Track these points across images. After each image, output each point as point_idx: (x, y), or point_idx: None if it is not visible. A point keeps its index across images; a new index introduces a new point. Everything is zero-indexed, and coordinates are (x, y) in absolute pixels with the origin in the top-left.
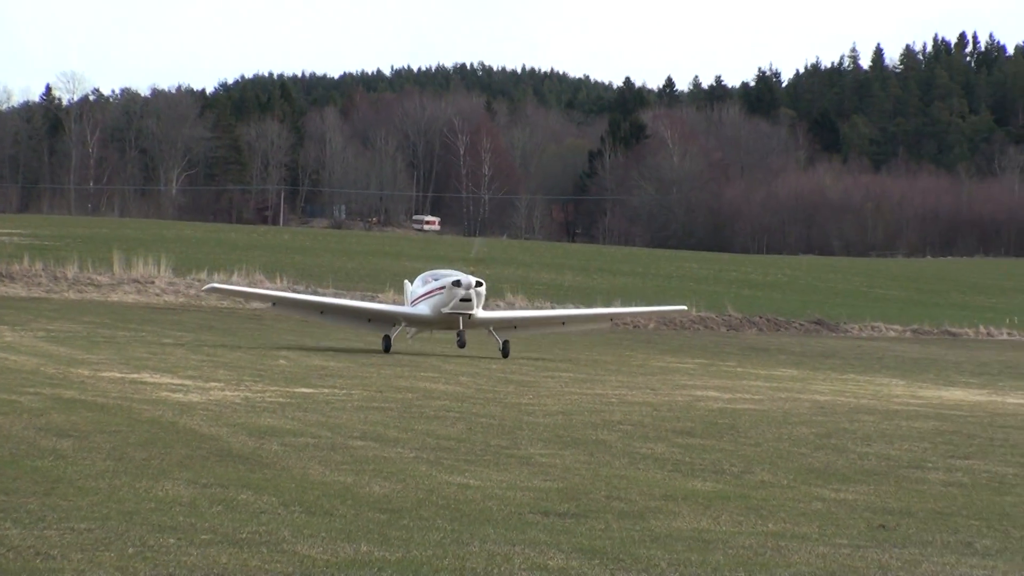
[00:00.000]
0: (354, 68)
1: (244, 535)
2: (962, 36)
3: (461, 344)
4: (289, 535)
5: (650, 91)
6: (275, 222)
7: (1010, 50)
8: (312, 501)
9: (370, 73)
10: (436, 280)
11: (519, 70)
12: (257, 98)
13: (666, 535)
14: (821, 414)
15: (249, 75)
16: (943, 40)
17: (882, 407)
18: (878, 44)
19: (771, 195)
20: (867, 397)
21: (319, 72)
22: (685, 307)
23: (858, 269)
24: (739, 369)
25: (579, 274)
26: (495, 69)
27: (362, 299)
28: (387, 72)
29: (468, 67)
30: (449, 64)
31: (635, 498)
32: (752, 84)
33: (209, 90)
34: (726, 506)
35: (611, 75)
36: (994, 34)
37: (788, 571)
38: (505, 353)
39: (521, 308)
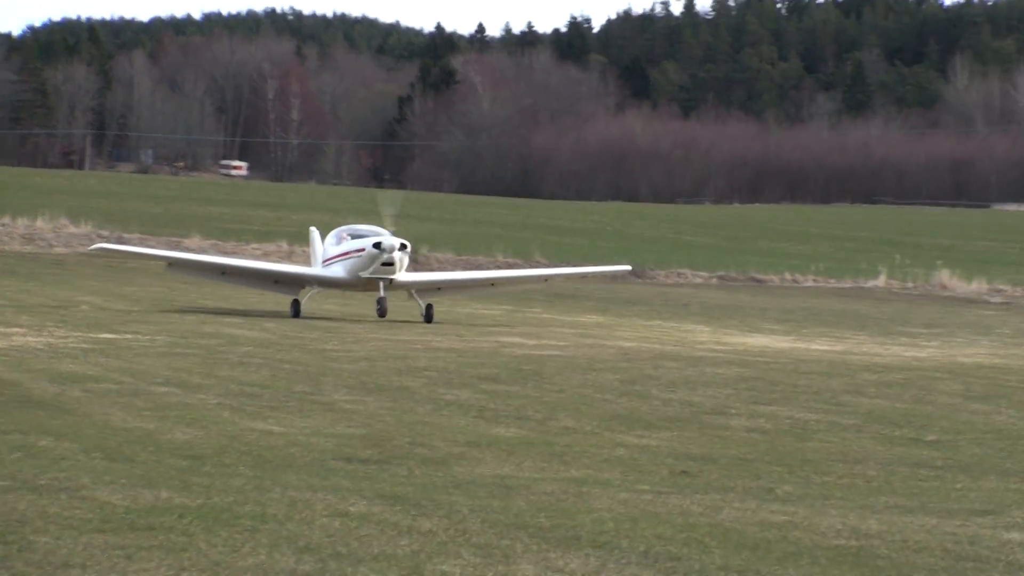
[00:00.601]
0: (163, 12)
1: (43, 481)
2: None
3: (381, 313)
4: (89, 481)
5: (461, 37)
6: (81, 167)
7: None
8: (113, 447)
9: (180, 17)
10: (353, 239)
11: (330, 15)
12: (65, 41)
13: (469, 481)
14: (625, 360)
15: (57, 18)
16: None
17: (686, 354)
18: None
19: (580, 141)
20: (672, 344)
21: (128, 16)
22: (629, 267)
23: (666, 215)
24: (545, 315)
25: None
26: (305, 14)
27: (169, 246)
28: (197, 16)
29: (278, 12)
30: (259, 8)
31: (438, 444)
32: (563, 30)
33: (16, 33)
34: (529, 452)
35: (422, 20)
36: None
37: (590, 517)
38: (428, 318)
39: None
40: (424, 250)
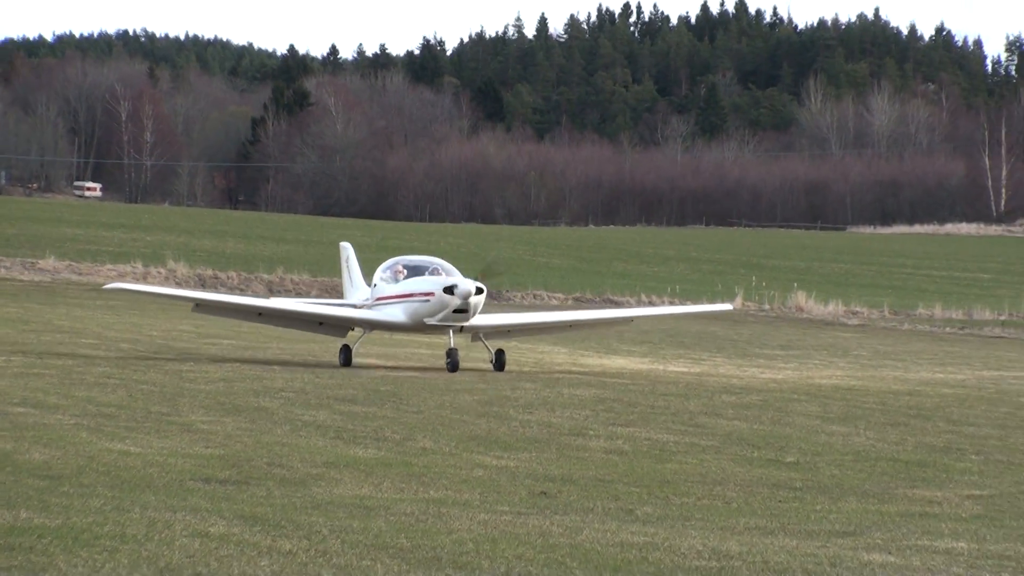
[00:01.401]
0: (15, 33)
1: None
2: (626, 6)
3: (453, 367)
4: None
5: (314, 59)
6: None
7: (674, 20)
8: None
9: (32, 38)
10: (411, 273)
11: (182, 37)
12: None
13: (328, 502)
14: (483, 382)
15: None
16: (607, 10)
17: (544, 375)
18: (543, 13)
19: (434, 163)
20: (529, 365)
21: None
22: (731, 306)
23: (521, 237)
24: (397, 337)
25: (241, 241)
26: (158, 36)
27: (24, 267)
28: (49, 38)
29: (131, 34)
30: (112, 30)
31: (297, 465)
32: (416, 52)
33: None
34: (388, 473)
35: (275, 42)
36: (658, 4)
37: (450, 538)
38: (500, 366)
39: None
40: (280, 271)
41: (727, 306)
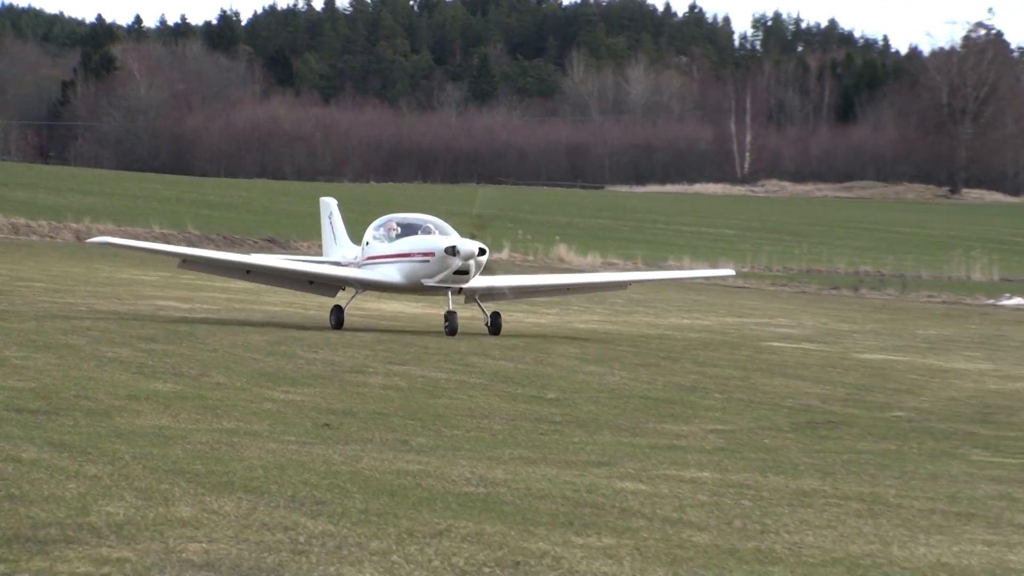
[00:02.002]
0: None
1: None
2: None
3: (452, 330)
4: None
5: (120, 27)
6: None
7: None
8: None
9: None
10: (405, 232)
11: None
12: None
13: (130, 431)
14: (272, 323)
15: None
16: None
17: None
18: None
19: (229, 124)
20: (315, 309)
21: None
22: (733, 272)
23: (308, 193)
24: (197, 281)
25: (52, 193)
26: None
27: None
28: None
29: None
30: None
31: (102, 397)
32: (214, 22)
33: None
34: (185, 405)
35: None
36: None
37: (241, 464)
38: (495, 329)
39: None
40: (87, 221)
41: (729, 271)
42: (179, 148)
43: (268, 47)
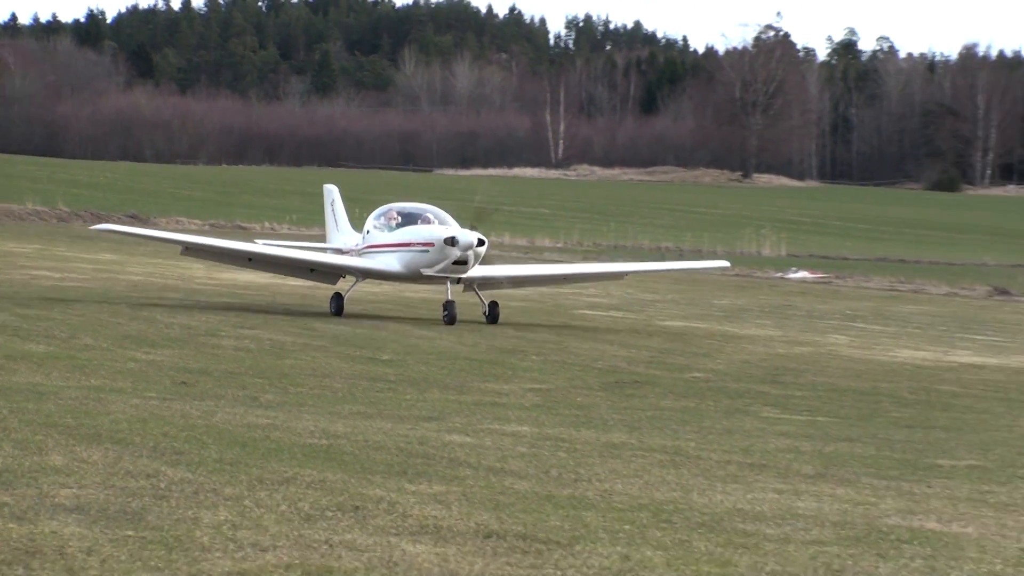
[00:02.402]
0: None
1: None
2: None
3: (450, 320)
4: None
5: None
6: None
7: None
8: None
9: None
10: (411, 226)
11: None
12: None
13: (7, 388)
14: (135, 291)
15: None
16: None
17: (185, 286)
18: None
19: (96, 112)
20: (173, 279)
21: None
22: (728, 264)
23: (167, 174)
24: (68, 253)
25: None
26: None
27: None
28: None
29: None
30: None
31: None
32: (83, 20)
33: None
34: (56, 365)
35: None
36: None
37: (108, 418)
38: (493, 318)
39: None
40: None
41: (724, 263)
42: (50, 133)
43: (131, 43)
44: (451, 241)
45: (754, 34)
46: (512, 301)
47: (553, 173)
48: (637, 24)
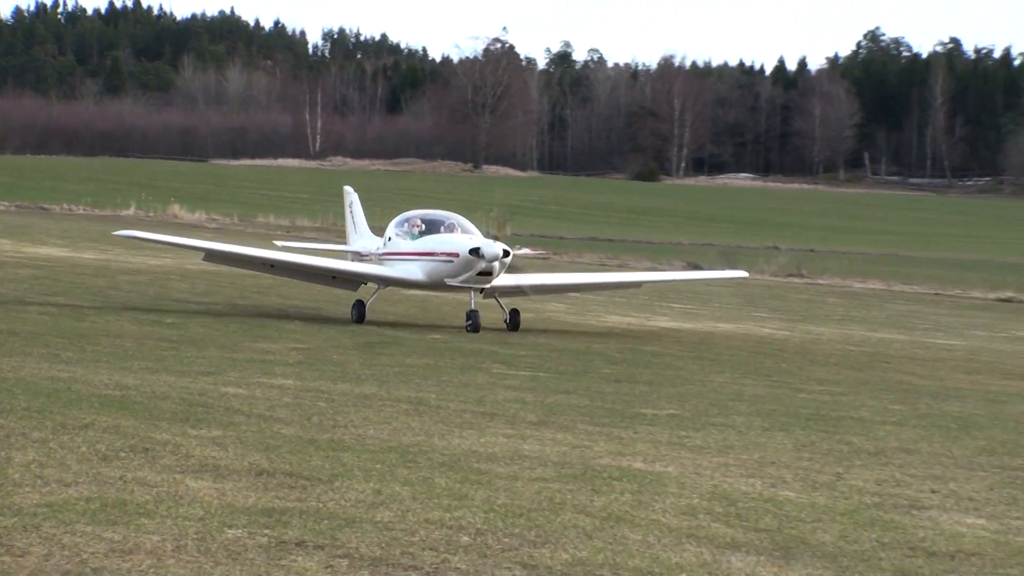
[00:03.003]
0: None
1: None
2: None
3: (474, 328)
4: None
5: None
6: None
7: (90, 11)
8: None
9: None
10: (435, 234)
11: None
12: None
13: None
14: None
15: None
16: (41, 2)
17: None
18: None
19: None
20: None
21: None
22: (747, 274)
23: None
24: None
25: None
26: None
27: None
28: None
29: None
30: None
31: None
32: None
33: None
34: None
35: None
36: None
37: None
38: (515, 326)
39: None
40: None
41: (742, 273)
42: None
43: None
44: (476, 252)
45: (483, 46)
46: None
47: (311, 163)
48: (384, 36)
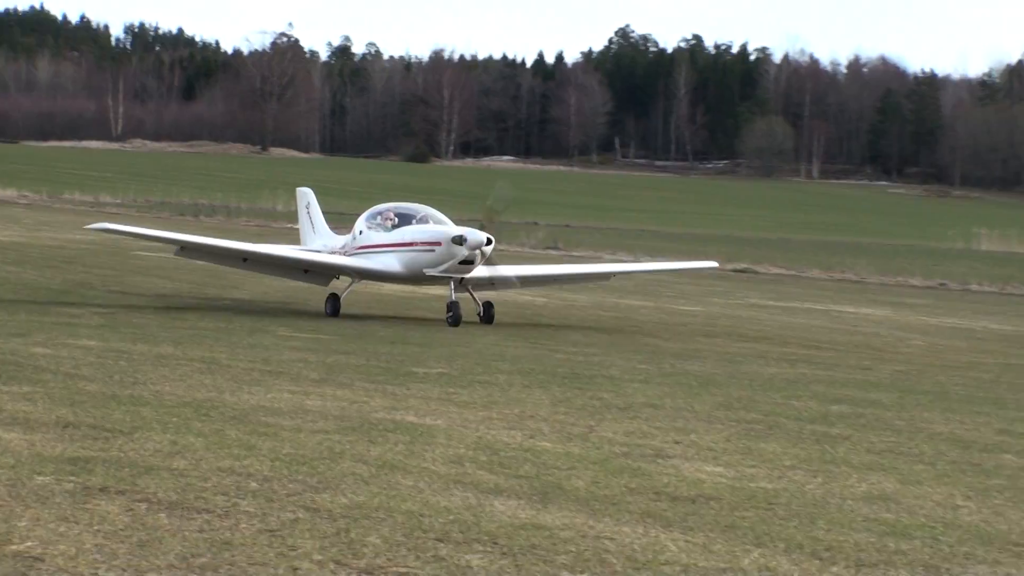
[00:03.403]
0: None
1: None
2: None
3: (455, 321)
4: None
5: None
6: None
7: None
8: None
9: None
10: (402, 222)
11: None
12: None
13: None
14: None
15: None
16: None
17: None
18: None
19: None
20: None
21: None
22: (716, 264)
23: None
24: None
25: None
26: None
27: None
28: None
29: None
30: None
31: None
32: None
33: None
34: None
35: None
36: None
37: None
38: (489, 319)
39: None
40: None
41: (712, 263)
42: None
43: None
44: (459, 240)
45: (271, 40)
46: (72, 245)
47: (114, 145)
48: (181, 30)
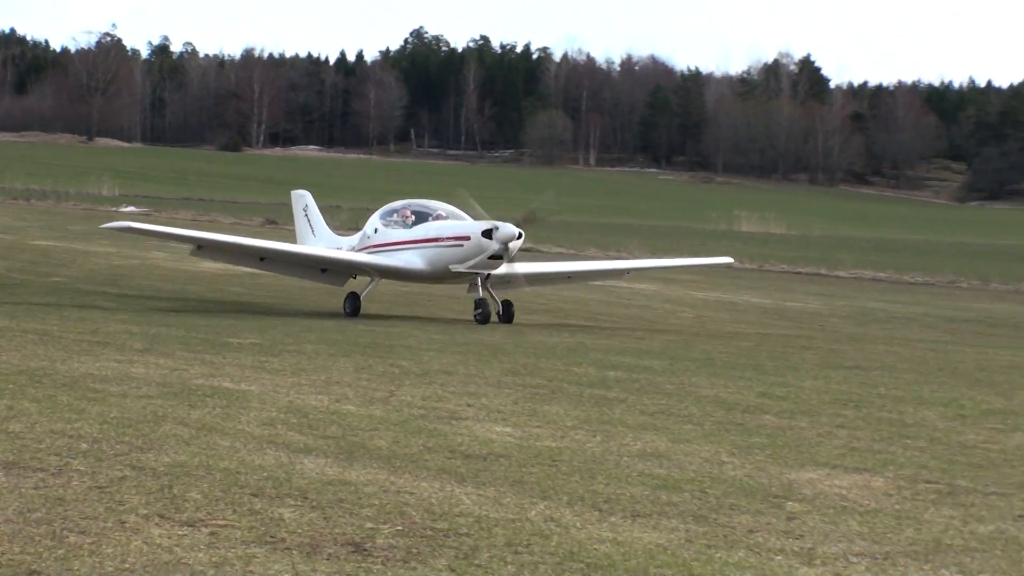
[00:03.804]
0: None
1: None
2: None
3: (484, 318)
4: None
5: None
6: None
7: None
8: None
9: None
10: (420, 220)
11: None
12: None
13: None
14: None
15: None
16: None
17: None
18: None
19: None
20: None
21: None
22: (731, 260)
23: None
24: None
25: None
26: None
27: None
28: None
29: None
30: None
31: None
32: None
33: None
34: None
35: None
36: None
37: None
38: (507, 317)
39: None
40: None
41: (727, 259)
42: None
43: None
44: (489, 233)
45: (96, 39)
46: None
47: None
48: (13, 30)
